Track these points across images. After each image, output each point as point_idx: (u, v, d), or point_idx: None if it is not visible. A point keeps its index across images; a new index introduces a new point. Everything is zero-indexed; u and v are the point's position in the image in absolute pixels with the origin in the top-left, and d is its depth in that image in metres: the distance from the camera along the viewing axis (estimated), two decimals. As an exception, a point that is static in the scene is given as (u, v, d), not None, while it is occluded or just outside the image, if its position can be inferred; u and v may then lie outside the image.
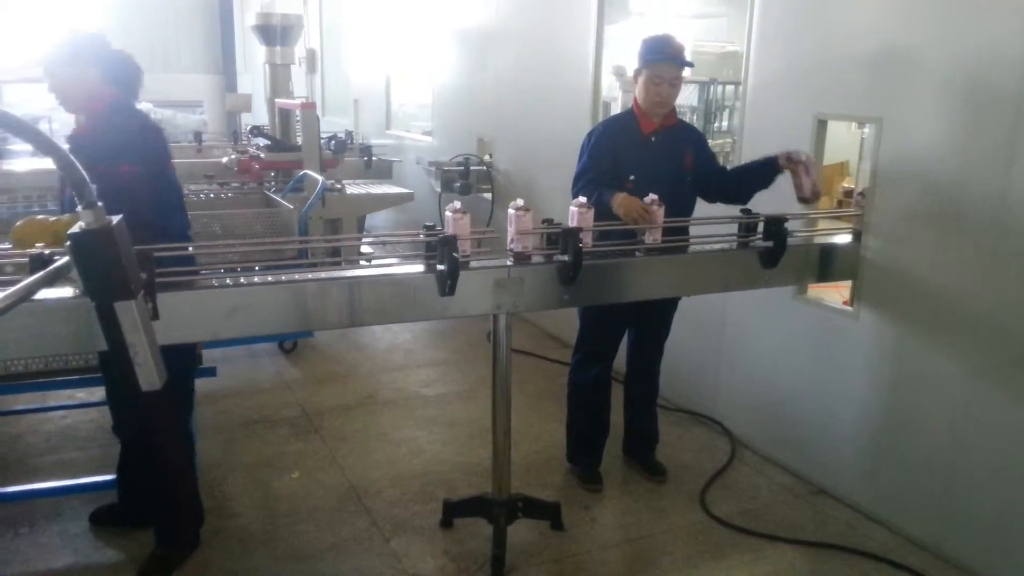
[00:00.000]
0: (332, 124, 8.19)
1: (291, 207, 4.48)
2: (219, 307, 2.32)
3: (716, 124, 7.53)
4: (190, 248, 2.68)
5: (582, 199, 2.74)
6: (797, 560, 3.10)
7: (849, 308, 3.44)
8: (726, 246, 3.12)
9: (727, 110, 7.50)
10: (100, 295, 1.15)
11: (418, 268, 2.58)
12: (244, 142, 7.03)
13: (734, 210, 3.21)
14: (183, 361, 2.87)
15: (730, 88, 7.24)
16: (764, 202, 3.25)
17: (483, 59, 6.32)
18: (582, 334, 3.59)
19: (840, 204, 6.26)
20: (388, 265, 2.68)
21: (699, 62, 7.55)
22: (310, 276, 2.52)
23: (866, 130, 5.70)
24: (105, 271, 1.14)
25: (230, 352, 4.87)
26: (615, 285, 2.91)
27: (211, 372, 3.86)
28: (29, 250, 2.17)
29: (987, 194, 2.81)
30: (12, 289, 1.07)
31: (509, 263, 2.66)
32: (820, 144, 3.50)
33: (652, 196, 2.94)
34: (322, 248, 4.32)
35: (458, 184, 6.11)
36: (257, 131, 6.83)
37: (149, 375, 1.21)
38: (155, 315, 2.06)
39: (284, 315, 2.46)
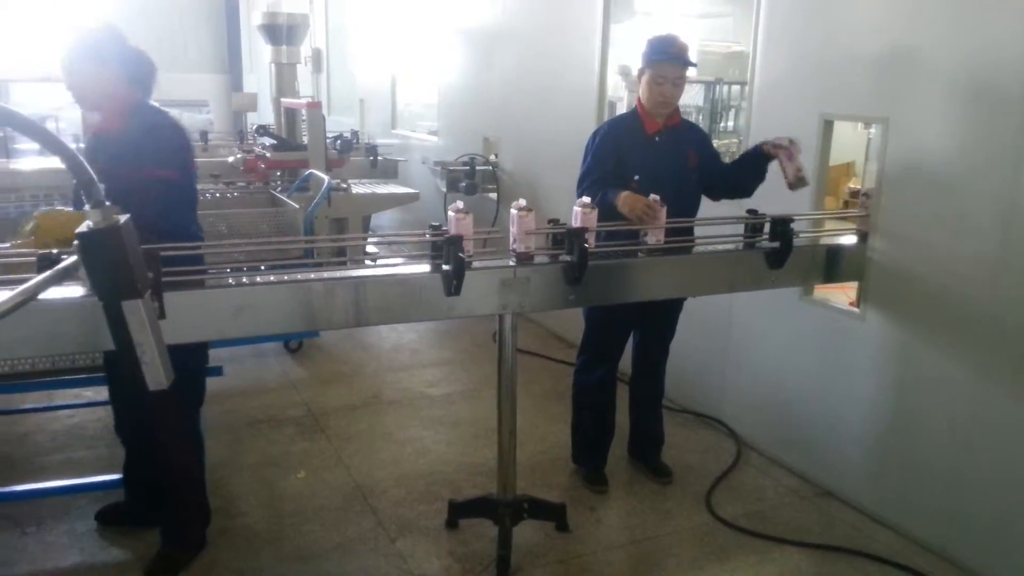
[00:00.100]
0: (338, 124, 8.20)
1: (297, 206, 4.49)
2: (225, 307, 2.32)
3: (722, 124, 7.53)
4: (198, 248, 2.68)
5: (586, 199, 2.74)
6: (803, 562, 3.09)
7: (855, 309, 3.43)
8: (732, 247, 3.11)
9: (733, 110, 7.50)
10: (107, 294, 1.16)
11: (424, 268, 2.58)
12: (250, 141, 7.04)
13: (740, 210, 3.21)
14: (196, 361, 2.87)
15: (736, 88, 7.24)
16: (770, 204, 3.24)
17: (489, 59, 6.32)
18: (587, 335, 3.59)
19: (846, 205, 6.24)
20: (394, 265, 2.68)
21: (705, 62, 7.55)
22: (316, 276, 2.51)
23: (872, 130, 5.69)
24: (112, 270, 1.14)
25: (236, 352, 4.88)
26: (621, 286, 2.91)
27: (217, 371, 3.87)
28: (39, 250, 2.17)
29: (994, 195, 2.80)
30: (20, 288, 1.08)
31: (512, 263, 2.65)
32: (826, 144, 3.49)
33: (654, 196, 2.94)
34: (328, 248, 4.32)
35: (463, 184, 6.11)
36: (263, 130, 6.84)
37: (156, 374, 1.21)
38: (162, 314, 2.06)
39: (290, 315, 2.46)
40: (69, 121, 7.76)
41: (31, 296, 1.09)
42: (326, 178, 4.90)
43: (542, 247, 2.77)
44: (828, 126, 3.46)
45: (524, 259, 2.66)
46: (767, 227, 3.05)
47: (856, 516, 3.38)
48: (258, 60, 11.75)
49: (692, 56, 3.30)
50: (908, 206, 3.11)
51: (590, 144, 3.35)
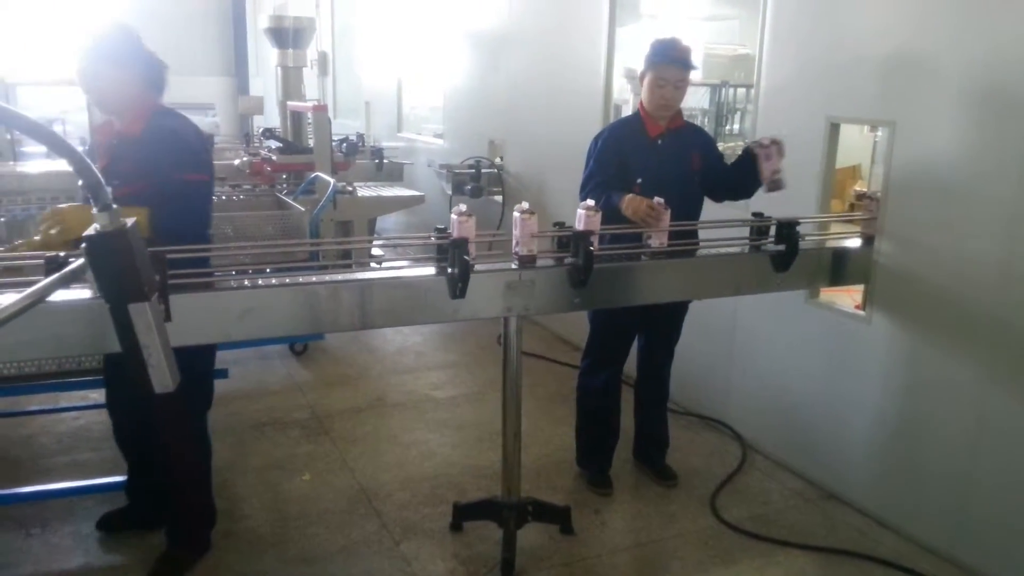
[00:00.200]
0: (344, 127, 8.22)
1: (302, 209, 4.49)
2: (231, 309, 2.32)
3: (728, 127, 7.53)
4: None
5: (590, 202, 2.74)
6: (808, 566, 3.08)
7: (861, 312, 3.42)
8: (738, 249, 3.11)
9: (739, 113, 7.50)
10: (114, 297, 1.16)
11: (429, 271, 2.58)
12: (256, 144, 7.06)
13: (746, 213, 3.20)
14: (203, 363, 2.88)
15: (742, 91, 7.24)
16: (775, 207, 3.24)
17: (494, 62, 6.33)
18: (592, 338, 3.59)
19: (852, 207, 6.23)
20: (399, 268, 2.68)
21: (711, 65, 7.55)
22: (321, 278, 2.52)
23: (879, 133, 5.68)
24: (119, 273, 1.15)
25: (241, 354, 4.88)
26: (626, 288, 2.91)
27: (223, 374, 3.87)
28: (47, 252, 2.17)
29: (1001, 198, 2.79)
30: (28, 291, 1.08)
31: (514, 266, 2.65)
32: (832, 147, 3.49)
33: (658, 199, 2.94)
34: (333, 250, 4.33)
35: (469, 187, 6.12)
36: (269, 133, 6.85)
37: (162, 377, 1.21)
38: (168, 317, 2.07)
39: (295, 317, 2.46)
40: (76, 124, 7.78)
41: (39, 299, 1.09)
42: (332, 181, 4.91)
43: (547, 250, 2.77)
44: (834, 129, 3.46)
45: (527, 262, 2.65)
46: (773, 230, 3.05)
47: (861, 519, 3.37)
48: (264, 63, 11.77)
49: (696, 59, 3.29)
50: (914, 209, 3.11)
51: (592, 147, 3.35)
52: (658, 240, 2.93)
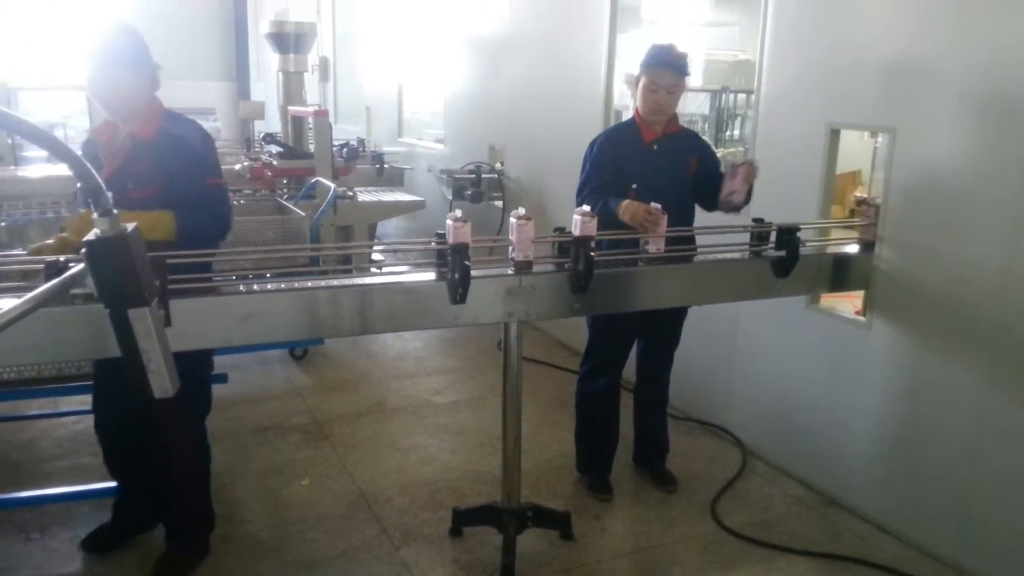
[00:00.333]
0: (344, 132, 8.22)
1: (303, 214, 4.49)
2: (232, 314, 2.33)
3: (728, 132, 7.53)
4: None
5: (586, 208, 2.74)
6: (809, 572, 3.07)
7: (862, 318, 3.42)
8: (738, 255, 3.11)
9: (739, 118, 7.50)
10: (114, 302, 1.16)
11: (429, 276, 2.58)
12: (257, 149, 7.07)
13: (746, 219, 3.20)
14: (201, 368, 2.88)
15: (742, 96, 7.24)
16: (776, 213, 3.24)
17: (495, 67, 6.34)
18: (591, 344, 3.59)
19: (852, 213, 6.23)
20: (399, 273, 2.68)
21: (711, 70, 7.56)
22: (322, 284, 2.52)
23: (879, 139, 5.68)
24: (119, 278, 1.14)
25: (241, 359, 4.88)
26: (626, 294, 2.91)
27: (222, 379, 3.86)
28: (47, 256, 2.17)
29: (1002, 203, 2.79)
30: (27, 296, 1.08)
31: (510, 272, 2.65)
32: (833, 153, 3.49)
33: (656, 205, 2.94)
34: (334, 255, 4.33)
35: (469, 192, 6.12)
36: (270, 138, 6.87)
37: (162, 382, 1.21)
38: (168, 322, 2.07)
39: (296, 322, 2.47)
40: (77, 128, 7.79)
41: (39, 304, 1.09)
42: (332, 186, 4.91)
43: (547, 255, 2.77)
44: (835, 135, 3.46)
45: (523, 268, 2.65)
46: (773, 235, 3.05)
47: (863, 525, 3.36)
48: (265, 68, 11.79)
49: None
50: (915, 215, 3.11)
51: (588, 153, 3.35)
52: (655, 246, 2.93)
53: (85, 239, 1.13)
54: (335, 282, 2.54)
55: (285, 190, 5.85)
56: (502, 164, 6.30)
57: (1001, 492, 2.89)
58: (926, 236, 3.08)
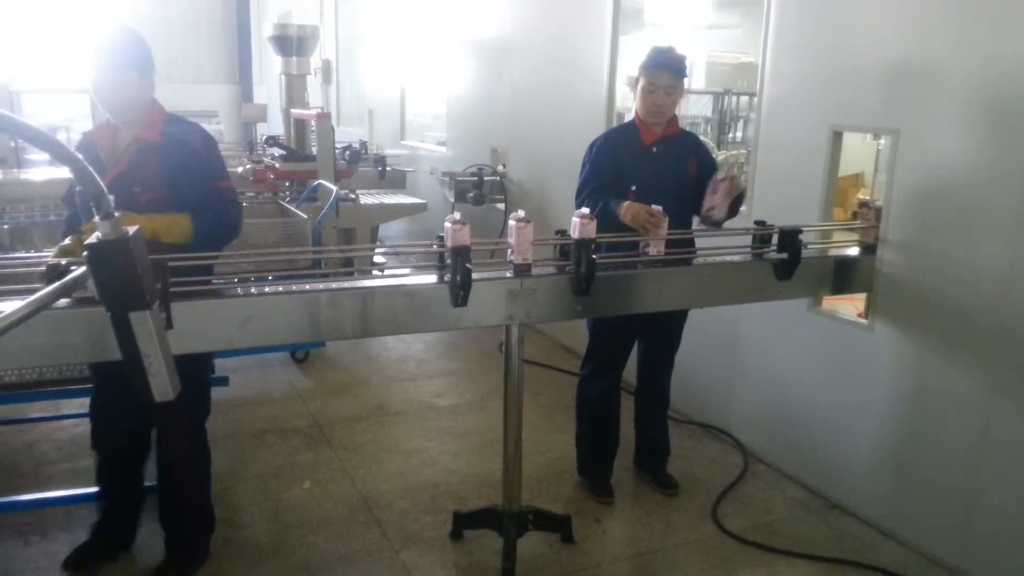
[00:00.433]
0: (347, 134, 8.24)
1: (305, 217, 4.49)
2: (233, 317, 2.32)
3: (731, 135, 7.53)
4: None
5: (585, 210, 2.73)
6: (811, 576, 3.07)
7: (864, 321, 3.41)
8: (740, 258, 3.11)
9: (742, 121, 7.50)
10: (115, 305, 1.15)
11: (431, 279, 2.58)
12: (259, 152, 7.08)
13: (748, 221, 3.20)
14: (204, 372, 2.88)
15: (745, 99, 7.24)
16: (778, 215, 3.23)
17: (498, 70, 6.34)
18: (591, 346, 3.58)
19: (855, 216, 6.22)
20: (401, 275, 2.68)
21: (714, 73, 7.56)
22: (323, 286, 2.52)
23: (882, 142, 5.67)
24: (121, 282, 1.14)
25: (242, 361, 4.88)
26: (628, 297, 2.91)
27: (223, 381, 3.86)
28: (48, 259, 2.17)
29: (1005, 206, 2.79)
30: (29, 299, 1.08)
31: (509, 275, 2.65)
32: (835, 156, 3.48)
33: (657, 207, 2.94)
34: (336, 258, 4.33)
35: (471, 194, 6.12)
36: (272, 141, 6.88)
37: (163, 385, 1.21)
38: (169, 324, 2.06)
39: (297, 325, 2.47)
40: (80, 132, 7.81)
41: (41, 307, 1.09)
42: (334, 188, 4.92)
43: (548, 258, 2.77)
44: (837, 137, 3.46)
45: (522, 271, 2.65)
46: (775, 238, 3.05)
47: (865, 529, 3.35)
48: (268, 71, 11.82)
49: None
50: (918, 217, 3.10)
51: (588, 154, 3.36)
52: (656, 248, 2.93)
53: (87, 242, 1.13)
54: (337, 285, 2.54)
55: (287, 193, 5.85)
56: (504, 167, 6.30)
57: (1004, 496, 2.88)
58: (929, 239, 3.07)
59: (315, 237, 4.43)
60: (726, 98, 7.46)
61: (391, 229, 7.91)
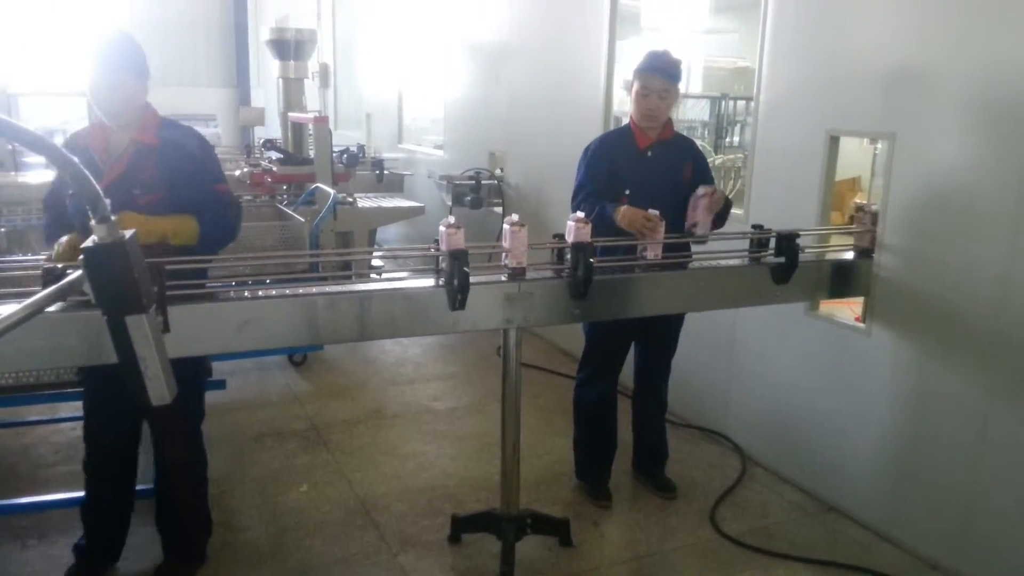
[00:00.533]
0: (344, 138, 8.24)
1: (303, 220, 4.49)
2: (230, 320, 2.32)
3: (728, 139, 7.54)
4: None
5: (580, 214, 2.74)
6: (808, 579, 3.07)
7: (861, 325, 3.41)
8: (738, 262, 3.11)
9: (738, 125, 7.51)
10: (112, 309, 1.15)
11: (428, 282, 2.58)
12: (257, 155, 7.07)
13: (745, 225, 3.20)
14: (199, 377, 2.88)
15: (741, 103, 7.25)
16: (775, 219, 3.24)
17: (495, 74, 6.35)
18: (587, 350, 3.59)
19: (851, 220, 6.23)
20: (398, 279, 2.68)
21: (711, 77, 7.57)
22: (320, 290, 2.52)
23: (878, 146, 5.69)
24: (117, 285, 1.14)
25: (240, 364, 4.88)
26: (625, 300, 2.91)
27: (220, 385, 3.86)
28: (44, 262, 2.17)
29: (1002, 210, 2.79)
30: (25, 303, 1.08)
31: (503, 278, 2.65)
32: (832, 160, 3.49)
33: (654, 211, 2.94)
34: (333, 261, 4.33)
35: (469, 198, 6.12)
36: (270, 144, 6.87)
37: (159, 389, 1.21)
38: (166, 328, 2.06)
39: (295, 329, 2.46)
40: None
41: (37, 310, 1.09)
42: (332, 192, 4.91)
43: (546, 262, 2.77)
44: (834, 142, 3.46)
45: (517, 275, 2.65)
46: (773, 242, 3.05)
47: (862, 532, 3.35)
48: (266, 75, 11.81)
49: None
50: (915, 221, 3.11)
51: (583, 158, 3.36)
52: (653, 252, 2.93)
53: (83, 246, 1.13)
54: (334, 288, 2.54)
55: (285, 196, 5.84)
56: (502, 170, 6.31)
57: (1002, 499, 2.88)
58: (926, 243, 3.08)
59: (313, 240, 4.42)
60: (723, 102, 7.48)
61: (389, 233, 7.91)
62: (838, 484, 3.52)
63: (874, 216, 3.26)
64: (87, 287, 1.15)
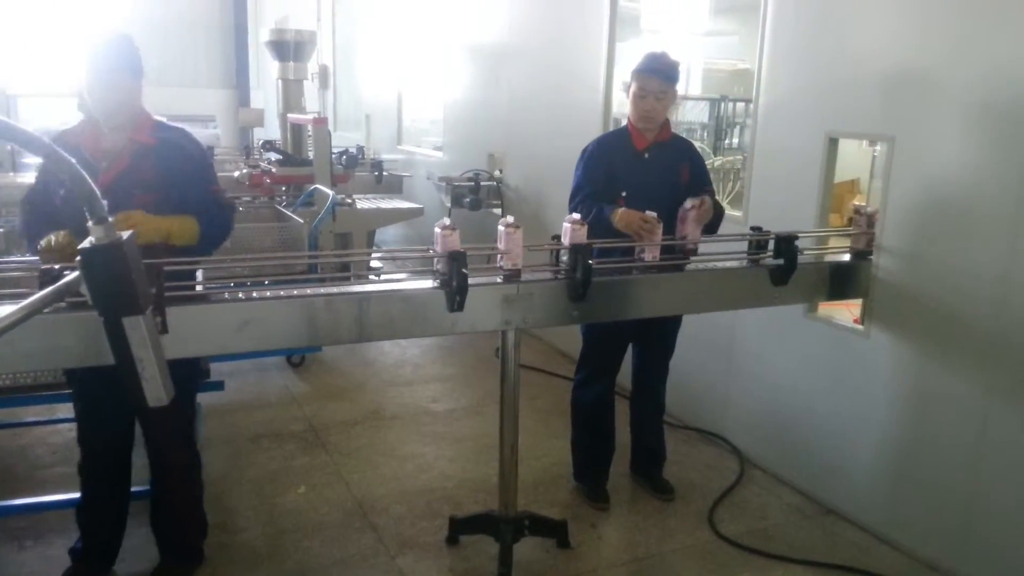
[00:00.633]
0: (344, 139, 8.24)
1: (302, 221, 4.49)
2: (229, 321, 2.32)
3: (727, 141, 7.54)
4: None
5: (576, 216, 2.74)
6: (807, 582, 3.07)
7: (860, 327, 3.41)
8: (736, 263, 3.11)
9: (738, 127, 7.52)
10: (108, 310, 1.15)
11: (427, 284, 2.58)
12: (256, 156, 7.07)
13: (744, 227, 3.20)
14: (194, 379, 2.88)
15: (741, 105, 7.25)
16: (774, 221, 3.24)
17: (495, 75, 6.35)
18: (585, 352, 3.58)
19: (850, 222, 6.23)
20: (397, 280, 2.68)
21: (710, 79, 7.57)
22: (319, 291, 2.52)
23: (878, 148, 5.69)
24: (114, 286, 1.14)
25: (238, 366, 4.87)
26: (624, 302, 2.90)
27: (219, 386, 3.85)
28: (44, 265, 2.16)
29: (1001, 213, 2.79)
30: (22, 304, 1.08)
31: (499, 280, 2.65)
32: (831, 162, 3.49)
33: (651, 213, 2.94)
34: (332, 263, 4.33)
35: (468, 199, 6.12)
36: (269, 146, 6.86)
37: (156, 390, 1.21)
38: (164, 329, 2.06)
39: (293, 330, 2.46)
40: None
41: (34, 311, 1.09)
42: (331, 193, 4.91)
43: (545, 263, 2.77)
44: (833, 144, 3.47)
45: (512, 276, 2.65)
46: (771, 244, 3.05)
47: (861, 535, 3.35)
48: (265, 76, 11.80)
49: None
50: (913, 223, 3.11)
51: (580, 160, 3.36)
52: (650, 254, 2.93)
53: (80, 247, 1.13)
54: (333, 289, 2.54)
55: (284, 197, 5.84)
56: (501, 172, 6.31)
57: (1002, 501, 2.88)
58: (925, 245, 3.08)
59: (311, 242, 4.42)
60: (722, 104, 7.48)
61: (388, 234, 7.91)
62: (837, 486, 3.52)
63: (870, 218, 3.27)
64: (84, 288, 1.15)
